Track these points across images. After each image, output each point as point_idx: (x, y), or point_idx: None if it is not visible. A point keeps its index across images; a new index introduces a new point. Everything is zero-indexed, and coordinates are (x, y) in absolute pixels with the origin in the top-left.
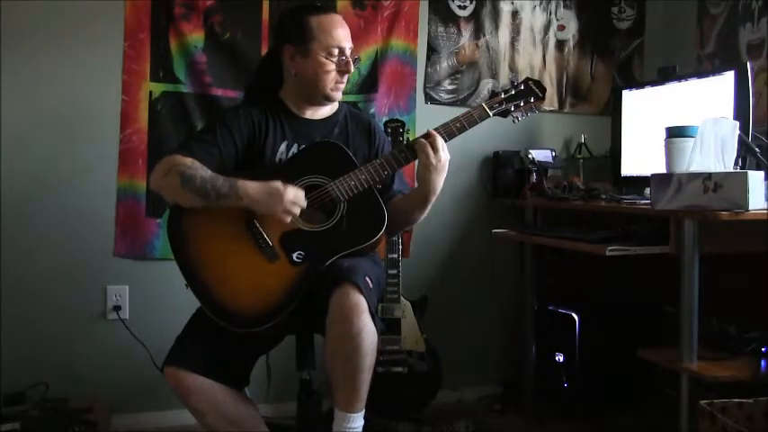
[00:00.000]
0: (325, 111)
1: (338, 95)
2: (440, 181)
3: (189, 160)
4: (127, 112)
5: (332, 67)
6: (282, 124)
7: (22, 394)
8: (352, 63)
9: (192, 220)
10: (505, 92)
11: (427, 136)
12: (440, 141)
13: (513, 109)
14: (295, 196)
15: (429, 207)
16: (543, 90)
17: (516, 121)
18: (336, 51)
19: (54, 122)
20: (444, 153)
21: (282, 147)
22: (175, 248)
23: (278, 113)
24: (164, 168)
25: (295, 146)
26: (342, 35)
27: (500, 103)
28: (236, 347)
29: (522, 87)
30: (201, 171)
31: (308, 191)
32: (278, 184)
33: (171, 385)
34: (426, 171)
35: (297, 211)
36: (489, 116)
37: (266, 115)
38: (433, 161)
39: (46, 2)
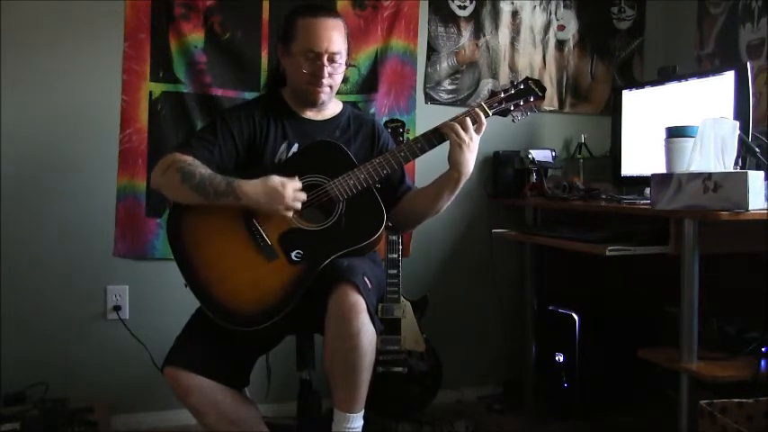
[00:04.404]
0: (328, 112)
1: (319, 98)
2: (472, 160)
3: (189, 158)
4: (127, 112)
5: (306, 69)
6: (284, 124)
7: (22, 394)
8: (325, 69)
9: (191, 219)
10: (505, 91)
11: (458, 116)
12: (468, 120)
13: (512, 108)
14: (294, 191)
15: (457, 192)
16: (543, 89)
17: (516, 120)
18: (312, 55)
19: (54, 122)
20: (474, 132)
21: (283, 147)
22: (174, 248)
23: (280, 113)
24: (163, 165)
25: (296, 146)
26: (322, 39)
27: (499, 103)
28: (235, 347)
29: (522, 87)
30: (201, 168)
31: (307, 190)
32: (275, 182)
33: (170, 385)
34: (459, 150)
35: (298, 206)
36: (489, 115)
37: (268, 115)
38: (465, 139)
39: (46, 2)
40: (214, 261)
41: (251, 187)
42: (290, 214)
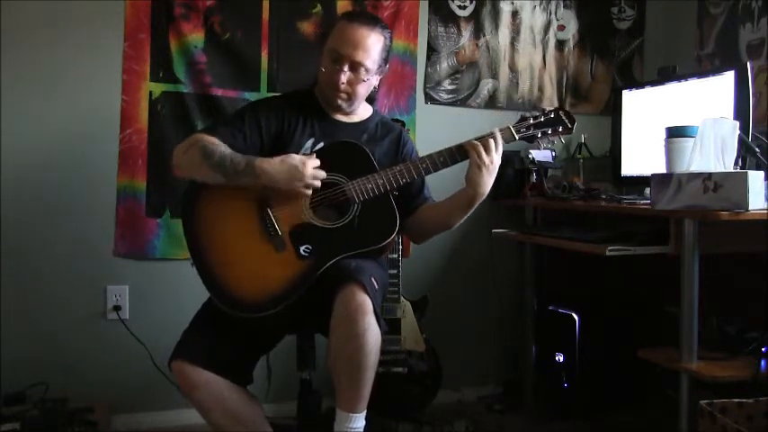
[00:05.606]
0: (357, 116)
1: (335, 101)
2: (490, 182)
3: (212, 138)
4: (127, 112)
5: (326, 69)
6: (313, 123)
7: (22, 394)
8: (342, 75)
9: (206, 200)
10: (534, 118)
11: (482, 137)
12: (493, 144)
13: (539, 135)
14: (314, 170)
15: (472, 210)
16: (573, 122)
17: (541, 148)
18: (335, 56)
19: (54, 123)
20: (497, 155)
21: (308, 144)
22: (186, 227)
23: (311, 111)
24: (186, 144)
25: (320, 145)
26: (348, 44)
27: (527, 128)
28: (240, 342)
29: (552, 116)
30: (222, 147)
31: (325, 187)
32: (295, 160)
33: (177, 379)
34: (478, 171)
35: (318, 183)
36: (515, 139)
37: (299, 112)
38: (486, 161)
39: (46, 2)
40: (223, 245)
41: (270, 165)
42: (309, 192)
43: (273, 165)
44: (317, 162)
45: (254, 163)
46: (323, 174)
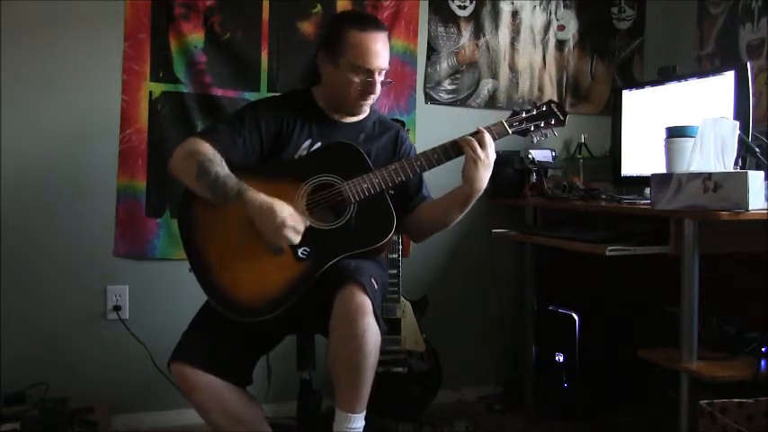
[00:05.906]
0: (355, 116)
1: (362, 110)
2: (486, 177)
3: (211, 151)
4: (127, 112)
5: (356, 84)
6: (311, 124)
7: (22, 394)
8: (377, 85)
9: (202, 203)
10: (527, 111)
11: (476, 133)
12: (488, 138)
13: (532, 129)
14: (293, 230)
15: (469, 206)
16: (564, 114)
17: (534, 141)
18: (359, 70)
19: (54, 122)
20: (491, 150)
21: (305, 144)
22: (183, 231)
23: (308, 113)
24: (186, 150)
25: (318, 145)
26: (374, 57)
27: (520, 122)
28: (239, 344)
29: (544, 109)
30: (219, 167)
31: (321, 189)
32: (283, 213)
33: (177, 381)
34: (474, 166)
35: (283, 245)
36: (508, 134)
37: (296, 113)
38: (482, 155)
39: (46, 2)
40: (220, 249)
41: (255, 204)
42: (281, 243)
43: (258, 206)
44: (302, 227)
45: (244, 196)
46: (296, 239)
